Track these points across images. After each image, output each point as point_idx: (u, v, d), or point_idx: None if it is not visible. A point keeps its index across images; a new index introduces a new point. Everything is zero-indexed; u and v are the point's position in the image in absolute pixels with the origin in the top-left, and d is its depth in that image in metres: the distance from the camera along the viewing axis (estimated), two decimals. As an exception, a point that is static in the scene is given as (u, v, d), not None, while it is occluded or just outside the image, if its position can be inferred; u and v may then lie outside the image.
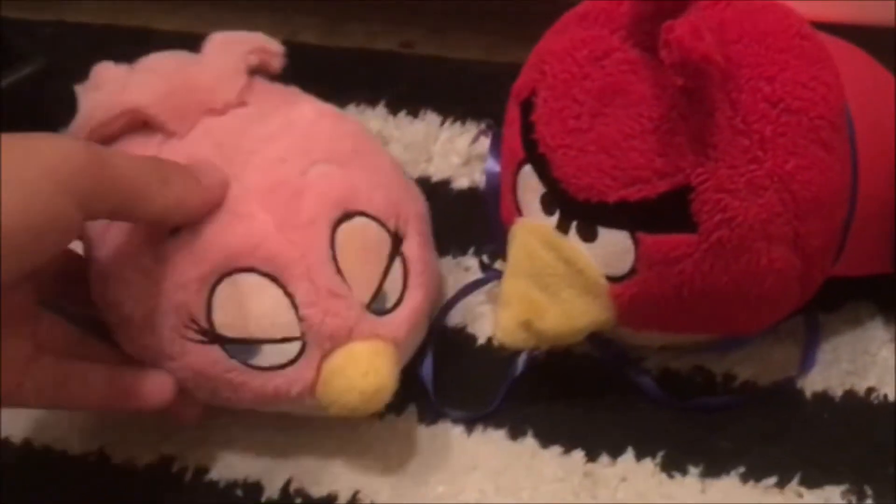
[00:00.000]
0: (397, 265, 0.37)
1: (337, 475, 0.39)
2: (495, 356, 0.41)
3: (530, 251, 0.37)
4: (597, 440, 0.39)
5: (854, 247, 0.37)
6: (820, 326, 0.41)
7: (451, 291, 0.43)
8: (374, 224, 0.37)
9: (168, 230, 0.35)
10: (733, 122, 0.33)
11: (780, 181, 0.33)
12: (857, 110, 0.36)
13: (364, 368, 0.35)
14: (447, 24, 0.54)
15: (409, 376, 0.41)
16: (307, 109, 0.39)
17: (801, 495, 0.37)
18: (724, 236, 0.33)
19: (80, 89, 0.39)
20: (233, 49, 0.39)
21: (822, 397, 0.39)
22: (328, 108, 0.40)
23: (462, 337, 0.42)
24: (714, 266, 0.34)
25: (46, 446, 0.40)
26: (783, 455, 0.38)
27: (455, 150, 0.49)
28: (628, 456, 0.39)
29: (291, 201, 0.35)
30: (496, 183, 0.41)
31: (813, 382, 0.40)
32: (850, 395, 0.39)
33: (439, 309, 0.42)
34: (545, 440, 0.39)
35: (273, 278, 0.34)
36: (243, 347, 0.35)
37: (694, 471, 0.38)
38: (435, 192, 0.47)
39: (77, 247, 0.37)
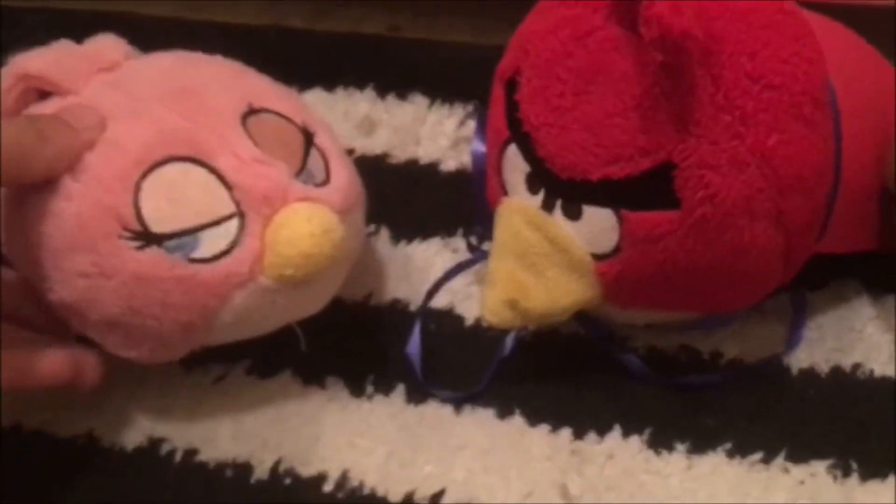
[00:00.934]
0: (315, 154, 0.38)
1: (326, 455, 0.39)
2: (483, 337, 0.42)
3: (515, 231, 0.37)
4: (584, 418, 0.39)
5: (838, 223, 0.37)
6: (806, 304, 0.41)
7: (438, 273, 0.43)
8: (282, 120, 0.37)
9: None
10: (715, 98, 0.33)
11: (761, 157, 0.33)
12: (841, 86, 0.36)
13: (307, 215, 0.35)
14: (434, 8, 0.54)
15: (397, 356, 0.41)
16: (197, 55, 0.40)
17: (787, 470, 0.38)
18: (706, 213, 0.33)
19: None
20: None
21: (809, 374, 0.40)
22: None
23: (450, 318, 0.42)
24: (697, 242, 0.34)
25: (36, 430, 0.40)
26: (769, 431, 0.38)
27: (443, 133, 0.49)
28: (615, 433, 0.39)
29: (194, 99, 0.36)
30: (482, 163, 0.41)
31: (799, 359, 0.40)
32: (836, 371, 0.40)
33: (428, 290, 0.42)
34: (533, 419, 0.39)
35: (194, 160, 0.35)
36: (182, 241, 0.34)
37: (680, 447, 0.38)
38: (423, 174, 0.47)
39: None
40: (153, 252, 0.34)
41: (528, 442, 0.39)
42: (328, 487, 0.38)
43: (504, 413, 0.40)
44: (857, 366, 0.40)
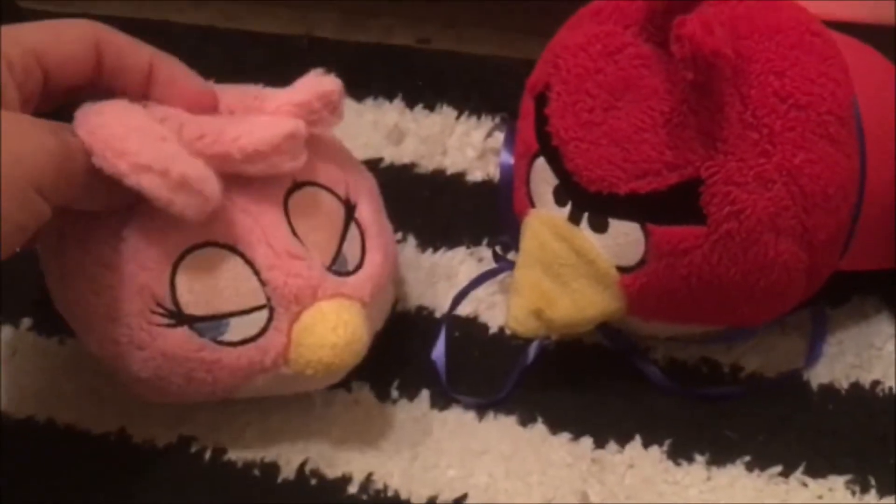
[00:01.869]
0: (353, 230, 0.38)
1: (351, 458, 0.40)
2: (507, 345, 0.42)
3: (542, 241, 0.37)
4: (605, 427, 0.40)
5: (861, 241, 0.37)
6: (826, 320, 0.41)
7: (463, 281, 0.44)
8: (324, 192, 0.37)
9: (123, 219, 0.35)
10: (743, 116, 0.33)
11: (788, 175, 0.34)
12: (866, 106, 0.36)
13: (333, 323, 0.35)
14: (463, 20, 0.55)
15: (422, 362, 0.42)
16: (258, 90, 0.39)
17: (805, 484, 0.38)
18: (732, 229, 0.34)
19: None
20: None
21: (828, 389, 0.40)
22: (276, 92, 0.40)
23: (475, 325, 0.43)
24: (722, 258, 0.35)
25: (69, 425, 0.41)
26: (788, 445, 0.39)
27: (470, 144, 0.49)
28: (636, 443, 0.39)
29: (240, 175, 0.35)
30: (510, 175, 0.41)
31: (819, 375, 0.41)
32: (855, 387, 0.40)
33: (455, 297, 0.43)
34: (554, 427, 0.40)
35: (231, 248, 0.35)
36: (212, 324, 0.35)
37: (700, 458, 0.39)
38: (450, 184, 0.48)
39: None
40: (183, 331, 0.35)
41: (550, 449, 0.39)
42: (353, 489, 0.39)
43: (526, 420, 0.40)
44: (876, 382, 0.40)
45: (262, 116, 0.36)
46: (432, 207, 0.47)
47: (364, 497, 0.39)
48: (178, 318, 0.35)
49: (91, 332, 0.36)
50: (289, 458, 0.39)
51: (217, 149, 0.34)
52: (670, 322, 0.39)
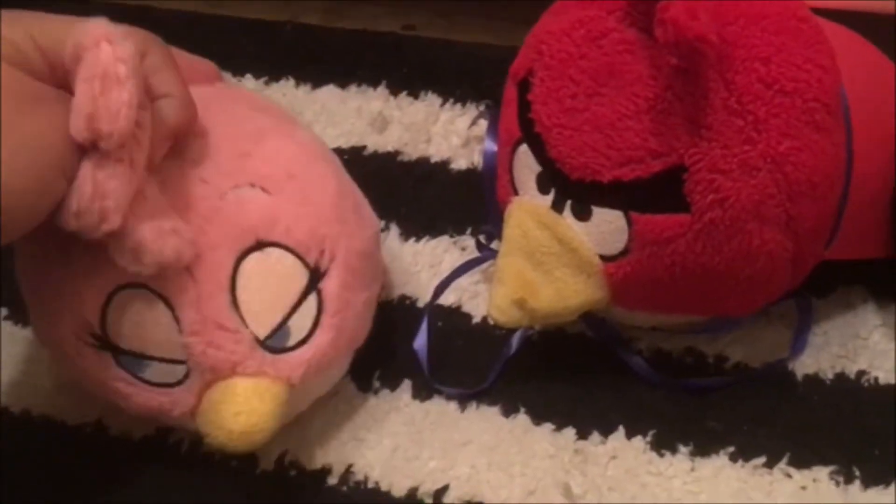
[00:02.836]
0: (311, 301, 0.35)
1: (331, 449, 0.39)
2: (490, 335, 0.42)
3: (525, 230, 0.37)
4: (588, 418, 0.39)
5: (848, 230, 0.37)
6: (812, 310, 0.41)
7: (447, 270, 0.43)
8: (289, 257, 0.35)
9: (74, 239, 0.33)
10: (727, 102, 0.33)
11: (773, 162, 0.33)
12: (854, 94, 0.36)
13: (238, 408, 0.33)
14: (449, 8, 0.54)
15: (404, 352, 0.41)
16: (261, 124, 0.37)
17: (789, 475, 0.38)
18: (716, 217, 0.34)
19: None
20: None
21: (813, 380, 0.40)
22: (286, 124, 0.38)
23: (458, 315, 0.43)
24: (706, 246, 0.34)
25: (45, 416, 0.40)
26: (772, 436, 0.38)
27: (455, 132, 0.49)
28: (619, 434, 0.39)
29: (199, 224, 0.34)
30: (494, 163, 0.41)
31: (804, 365, 0.40)
32: (840, 378, 0.40)
33: (437, 286, 0.42)
34: (537, 417, 0.40)
35: (164, 299, 0.34)
36: (133, 360, 0.35)
37: (684, 450, 0.38)
38: (434, 172, 0.48)
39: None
40: (107, 357, 0.35)
41: (532, 440, 0.39)
42: (332, 481, 0.38)
43: (509, 411, 0.40)
44: (861, 373, 0.40)
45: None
46: (416, 196, 0.47)
47: (344, 489, 0.38)
48: (104, 344, 0.35)
49: (37, 321, 0.36)
50: (267, 449, 0.39)
51: None
52: (654, 312, 0.38)
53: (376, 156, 0.48)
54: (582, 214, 0.36)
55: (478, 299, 0.43)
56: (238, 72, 0.52)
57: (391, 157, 0.48)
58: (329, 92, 0.51)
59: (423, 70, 0.51)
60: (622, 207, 0.35)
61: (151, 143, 0.32)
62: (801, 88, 0.33)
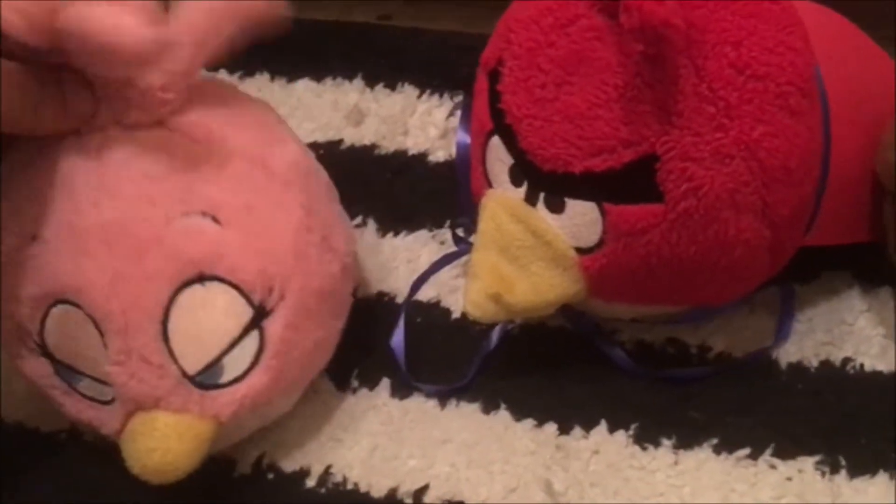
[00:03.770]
0: (251, 339, 0.34)
1: (309, 450, 0.39)
2: (469, 330, 0.41)
3: (499, 223, 0.36)
4: (570, 413, 0.39)
5: (828, 215, 0.36)
6: (795, 296, 0.40)
7: (425, 265, 0.43)
8: (232, 293, 0.33)
9: (31, 238, 0.34)
10: (698, 89, 0.32)
11: (746, 149, 0.32)
12: (830, 75, 0.35)
13: (154, 444, 0.33)
14: (425, -5, 0.53)
15: (382, 349, 0.41)
16: (231, 145, 0.35)
17: (773, 466, 0.37)
18: (690, 206, 0.33)
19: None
20: None
21: (797, 368, 0.39)
22: (262, 146, 0.36)
23: (436, 310, 0.42)
24: (681, 236, 0.34)
25: (18, 423, 0.40)
26: (756, 426, 0.38)
27: (432, 123, 0.48)
28: (601, 428, 0.38)
29: (137, 250, 0.32)
30: (467, 155, 0.40)
31: (788, 353, 0.39)
32: (825, 365, 0.39)
33: (413, 282, 0.42)
34: (518, 413, 0.39)
35: (96, 325, 0.33)
36: (69, 372, 0.34)
37: (667, 442, 0.38)
38: (411, 165, 0.47)
39: None
40: (45, 363, 0.34)
41: (513, 437, 0.38)
42: (311, 482, 0.38)
43: (489, 407, 0.39)
44: (847, 360, 0.39)
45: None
46: (393, 190, 0.46)
47: (322, 490, 0.38)
48: (43, 350, 0.34)
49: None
50: (244, 451, 0.38)
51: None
52: (633, 304, 0.38)
53: (353, 149, 0.47)
54: (555, 207, 0.35)
55: (457, 294, 0.42)
56: (211, 67, 0.51)
57: (368, 150, 0.48)
58: (304, 85, 0.50)
59: (398, 60, 0.50)
60: (595, 199, 0.34)
61: None
62: (774, 72, 0.32)
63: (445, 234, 0.44)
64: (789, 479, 0.37)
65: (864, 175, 0.37)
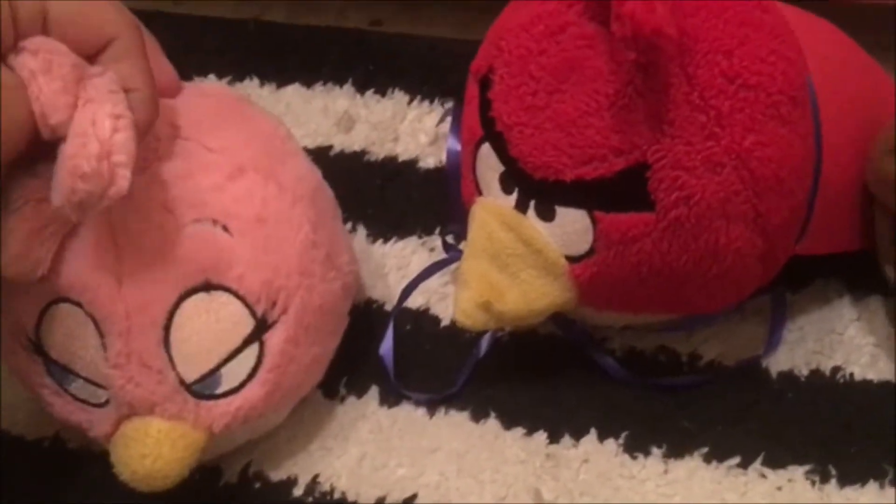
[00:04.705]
0: (251, 351, 0.34)
1: (297, 459, 0.38)
2: (459, 337, 0.41)
3: (489, 231, 0.36)
4: (560, 421, 0.39)
5: (819, 224, 0.36)
6: (786, 305, 0.40)
7: (415, 272, 0.42)
8: (237, 303, 0.33)
9: None
10: (690, 97, 0.32)
11: (737, 158, 0.32)
12: (821, 84, 0.35)
13: (146, 450, 0.32)
14: (417, 1, 0.53)
15: (371, 357, 0.41)
16: (246, 156, 0.35)
17: (764, 476, 0.37)
18: (681, 215, 0.33)
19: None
20: None
21: (788, 376, 0.39)
22: (274, 160, 0.36)
23: (426, 318, 0.42)
24: (673, 245, 0.33)
25: (3, 431, 0.39)
26: (747, 435, 0.38)
27: (423, 129, 0.48)
28: (591, 437, 0.38)
29: (147, 254, 0.32)
30: (458, 162, 0.40)
31: (778, 362, 0.39)
32: (815, 374, 0.39)
33: (403, 290, 0.42)
34: (508, 422, 0.39)
35: (95, 322, 0.32)
36: (62, 372, 0.34)
37: (657, 451, 0.38)
38: (402, 171, 0.47)
39: None
40: (38, 362, 0.34)
41: (503, 445, 0.38)
42: (298, 492, 0.38)
43: (479, 416, 0.39)
44: (837, 369, 0.39)
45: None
46: (384, 196, 0.46)
47: (310, 500, 0.37)
48: (37, 349, 0.34)
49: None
50: (231, 460, 0.38)
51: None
52: (624, 311, 0.37)
53: (343, 156, 0.47)
54: (546, 214, 0.35)
55: (446, 301, 0.42)
56: (201, 71, 0.51)
57: (358, 156, 0.47)
58: (294, 91, 0.50)
59: (389, 66, 0.50)
60: (586, 207, 0.34)
61: None
62: (765, 82, 0.32)
63: (436, 241, 0.44)
64: (780, 488, 0.37)
65: (855, 184, 0.37)
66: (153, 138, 0.33)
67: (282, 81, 0.50)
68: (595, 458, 0.38)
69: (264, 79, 0.50)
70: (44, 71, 0.28)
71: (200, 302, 0.33)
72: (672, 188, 0.32)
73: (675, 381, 0.39)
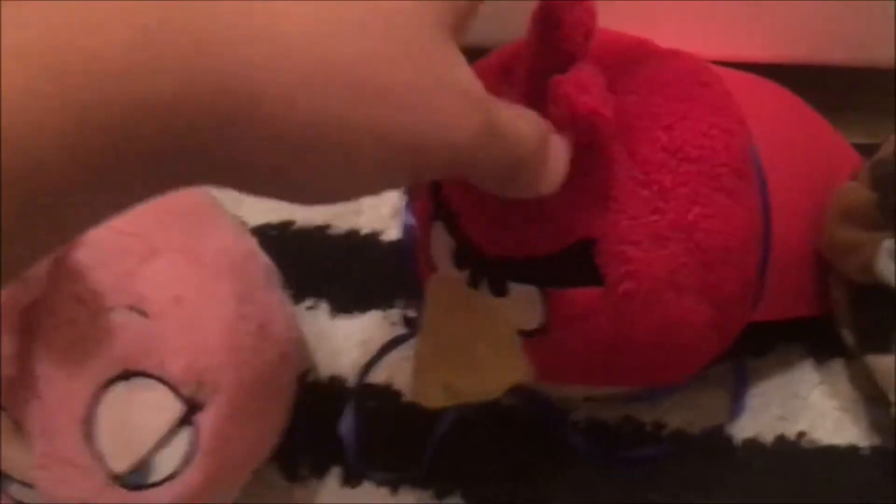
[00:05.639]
0: (183, 436, 0.33)
1: (257, 544, 0.38)
2: (422, 413, 0.40)
3: (443, 308, 0.36)
4: (526, 499, 0.38)
5: (774, 291, 0.36)
6: (748, 371, 0.40)
7: (376, 347, 0.42)
8: (161, 388, 0.33)
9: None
10: (632, 173, 0.32)
11: (683, 231, 0.32)
12: (768, 153, 0.35)
13: None
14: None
15: (333, 436, 0.40)
16: (160, 237, 0.34)
17: (731, 547, 0.36)
18: (629, 288, 0.33)
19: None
20: None
21: (753, 444, 0.39)
22: (192, 236, 0.35)
23: (388, 394, 0.42)
24: (624, 319, 0.33)
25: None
26: (714, 506, 0.37)
27: (385, 202, 0.48)
28: (557, 513, 0.38)
29: (60, 351, 0.32)
30: (413, 237, 0.40)
31: (743, 428, 0.39)
32: (780, 440, 0.39)
33: (362, 366, 0.41)
34: (473, 500, 0.38)
35: (19, 425, 0.32)
36: (1, 477, 0.33)
37: (624, 526, 0.37)
38: (364, 244, 0.47)
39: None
40: None
41: (468, 524, 0.38)
42: (259, 579, 0.37)
43: (443, 494, 0.39)
44: (801, 434, 0.39)
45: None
46: (346, 270, 0.46)
47: (270, 587, 0.37)
48: None
49: None
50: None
51: None
52: (582, 384, 0.37)
53: (304, 231, 0.47)
54: (499, 290, 0.35)
55: (407, 376, 0.42)
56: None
57: (321, 230, 0.47)
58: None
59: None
60: (537, 283, 0.34)
61: None
62: (707, 155, 0.32)
63: (398, 314, 0.44)
64: (748, 559, 0.36)
65: (808, 251, 0.37)
66: None
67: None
68: (560, 534, 0.37)
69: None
70: None
71: (121, 392, 0.32)
72: (619, 262, 0.32)
73: (641, 453, 0.39)
